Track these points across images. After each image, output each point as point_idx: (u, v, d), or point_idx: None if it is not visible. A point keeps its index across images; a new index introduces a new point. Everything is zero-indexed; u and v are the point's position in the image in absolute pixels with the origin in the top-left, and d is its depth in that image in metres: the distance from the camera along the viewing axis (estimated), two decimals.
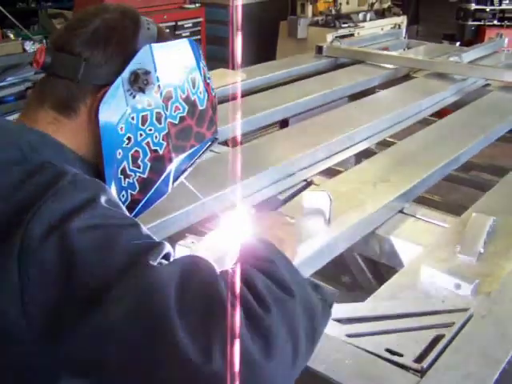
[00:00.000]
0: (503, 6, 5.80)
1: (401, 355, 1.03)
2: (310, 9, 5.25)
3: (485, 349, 1.04)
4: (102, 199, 0.82)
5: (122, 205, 0.89)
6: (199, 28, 4.43)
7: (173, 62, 1.01)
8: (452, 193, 2.70)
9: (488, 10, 5.79)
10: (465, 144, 2.10)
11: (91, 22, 0.98)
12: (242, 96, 2.72)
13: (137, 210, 1.06)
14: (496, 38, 3.73)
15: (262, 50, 5.48)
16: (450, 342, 1.06)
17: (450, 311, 1.16)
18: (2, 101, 3.16)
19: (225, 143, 2.25)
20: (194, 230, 1.58)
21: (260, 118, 2.45)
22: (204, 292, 0.74)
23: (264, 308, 0.74)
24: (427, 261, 1.34)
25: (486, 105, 2.60)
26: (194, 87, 1.04)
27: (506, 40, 3.76)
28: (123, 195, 1.03)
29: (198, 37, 4.43)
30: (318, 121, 2.37)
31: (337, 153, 2.14)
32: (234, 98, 2.68)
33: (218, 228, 1.26)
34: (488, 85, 3.09)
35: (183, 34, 4.34)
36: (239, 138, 2.43)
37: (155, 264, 0.75)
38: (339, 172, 2.22)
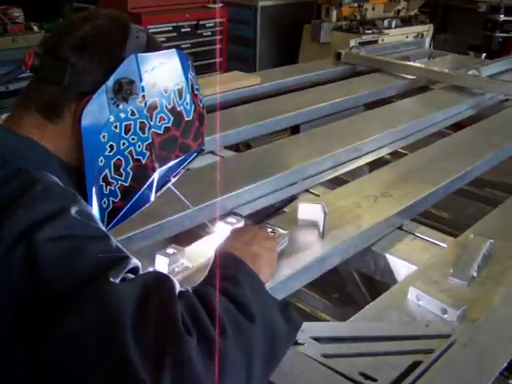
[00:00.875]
0: None
1: (374, 380, 1.01)
2: (334, 13, 5.21)
3: (461, 380, 1.02)
4: (73, 210, 0.82)
5: (95, 216, 0.89)
6: (221, 28, 4.43)
7: (159, 73, 1.00)
8: (464, 208, 2.66)
9: None
10: (472, 162, 2.06)
11: (81, 27, 0.98)
12: (255, 100, 2.71)
13: (118, 217, 1.07)
14: None
15: (286, 52, 5.48)
16: (426, 369, 1.04)
17: (431, 337, 1.14)
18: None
19: (231, 148, 2.25)
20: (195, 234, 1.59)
21: (270, 124, 2.44)
22: (160, 313, 0.74)
23: (220, 332, 0.74)
24: (417, 282, 1.32)
25: (499, 121, 2.56)
26: (180, 98, 1.04)
27: None
28: (105, 202, 1.03)
29: (220, 36, 4.43)
30: (328, 129, 2.35)
31: (343, 163, 2.12)
32: (243, 102, 2.69)
33: (202, 238, 1.25)
34: (507, 100, 3.04)
35: (204, 34, 4.35)
36: (244, 144, 2.44)
37: (116, 281, 0.75)
38: (344, 182, 2.21)
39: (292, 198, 1.42)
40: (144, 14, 4.09)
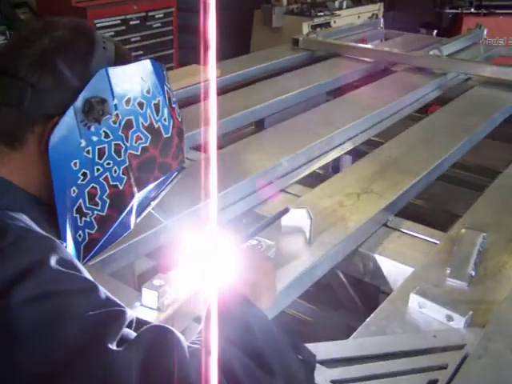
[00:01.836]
0: None
1: None
2: None
3: None
4: (52, 260, 0.70)
5: (77, 263, 0.76)
6: (171, 18, 4.27)
7: (133, 88, 0.89)
8: (443, 195, 2.62)
9: None
10: (449, 147, 2.01)
11: (38, 40, 0.85)
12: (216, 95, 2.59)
13: (95, 249, 0.95)
14: (475, 30, 3.64)
15: (237, 40, 5.34)
16: None
17: (442, 349, 1.07)
18: None
19: (197, 149, 2.13)
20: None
21: (235, 120, 2.33)
22: (170, 378, 0.63)
23: None
24: (417, 287, 1.24)
25: (468, 103, 2.52)
26: (157, 114, 0.92)
27: (485, 31, 3.67)
28: (80, 235, 0.91)
29: (170, 27, 4.27)
30: (297, 122, 2.25)
31: (317, 157, 2.04)
32: (206, 97, 2.57)
33: (185, 262, 1.15)
34: (469, 79, 3.01)
35: (154, 25, 4.18)
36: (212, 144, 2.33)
37: (114, 347, 0.64)
38: (320, 176, 2.13)
39: (285, 211, 1.32)
40: (89, 8, 3.88)
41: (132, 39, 4.06)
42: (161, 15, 4.19)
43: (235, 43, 5.26)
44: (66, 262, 0.73)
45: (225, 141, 2.26)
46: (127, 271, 1.50)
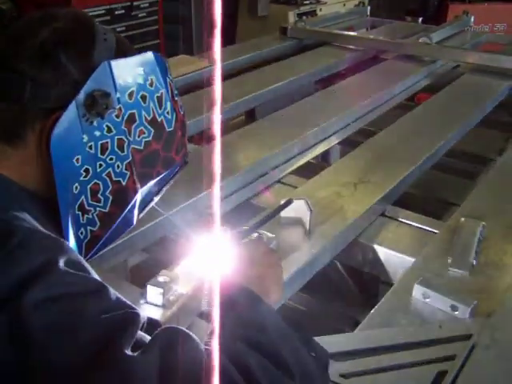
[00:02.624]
0: None
1: None
2: None
3: None
4: (61, 261, 0.68)
5: (86, 263, 0.74)
6: (156, 8, 4.20)
7: (136, 81, 0.86)
8: (437, 183, 2.62)
9: None
10: (443, 135, 2.00)
11: (38, 32, 0.82)
12: (205, 86, 2.56)
13: (97, 247, 0.93)
14: (463, 17, 3.64)
15: (222, 29, 5.29)
16: (454, 380, 0.96)
17: (449, 339, 1.06)
18: None
19: (189, 140, 2.10)
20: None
21: (226, 110, 2.30)
22: (190, 380, 0.61)
23: None
24: (418, 276, 1.24)
25: (459, 90, 2.52)
26: (160, 107, 0.90)
27: (473, 18, 3.67)
28: (82, 232, 0.89)
29: (156, 17, 4.20)
30: (289, 112, 2.23)
31: (311, 146, 2.02)
32: (196, 88, 2.54)
33: (190, 256, 1.13)
34: (458, 66, 3.01)
35: (139, 15, 4.11)
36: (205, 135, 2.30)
37: (131, 352, 0.62)
38: (315, 166, 2.11)
39: (288, 203, 1.31)
40: None
41: (117, 29, 3.99)
42: (146, 5, 4.12)
43: (221, 33, 5.21)
44: (75, 263, 0.71)
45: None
46: (119, 265, 1.48)
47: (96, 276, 0.72)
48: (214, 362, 0.62)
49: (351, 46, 3.10)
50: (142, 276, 1.46)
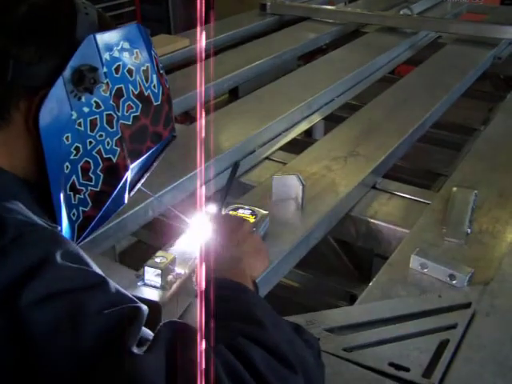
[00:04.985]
0: None
1: (407, 369, 0.92)
2: None
3: (497, 354, 0.94)
4: (58, 255, 0.65)
5: (84, 255, 0.71)
6: None
7: (121, 54, 0.83)
8: (425, 154, 2.61)
9: None
10: (430, 106, 1.99)
11: (15, 8, 0.78)
12: (186, 65, 2.52)
13: (90, 227, 0.90)
14: None
15: (200, 5, 5.21)
16: (456, 348, 0.96)
17: (449, 308, 1.06)
18: None
19: (175, 120, 2.07)
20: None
21: (209, 89, 2.26)
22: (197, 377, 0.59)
23: None
24: (414, 247, 1.23)
25: (442, 61, 2.50)
26: (147, 81, 0.87)
27: None
28: (74, 214, 0.86)
29: None
30: (273, 89, 2.20)
31: (297, 122, 2.00)
32: (174, 68, 2.48)
33: (183, 236, 1.12)
34: (439, 37, 3.00)
35: None
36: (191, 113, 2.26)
37: (136, 350, 0.60)
38: (303, 143, 2.10)
39: (235, 165, 1.29)
40: None
41: None
42: None
43: (199, 10, 5.13)
44: (72, 255, 0.68)
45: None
46: (108, 251, 1.46)
47: (94, 266, 0.70)
48: (222, 358, 0.61)
49: (332, 21, 3.07)
50: (131, 261, 1.45)
